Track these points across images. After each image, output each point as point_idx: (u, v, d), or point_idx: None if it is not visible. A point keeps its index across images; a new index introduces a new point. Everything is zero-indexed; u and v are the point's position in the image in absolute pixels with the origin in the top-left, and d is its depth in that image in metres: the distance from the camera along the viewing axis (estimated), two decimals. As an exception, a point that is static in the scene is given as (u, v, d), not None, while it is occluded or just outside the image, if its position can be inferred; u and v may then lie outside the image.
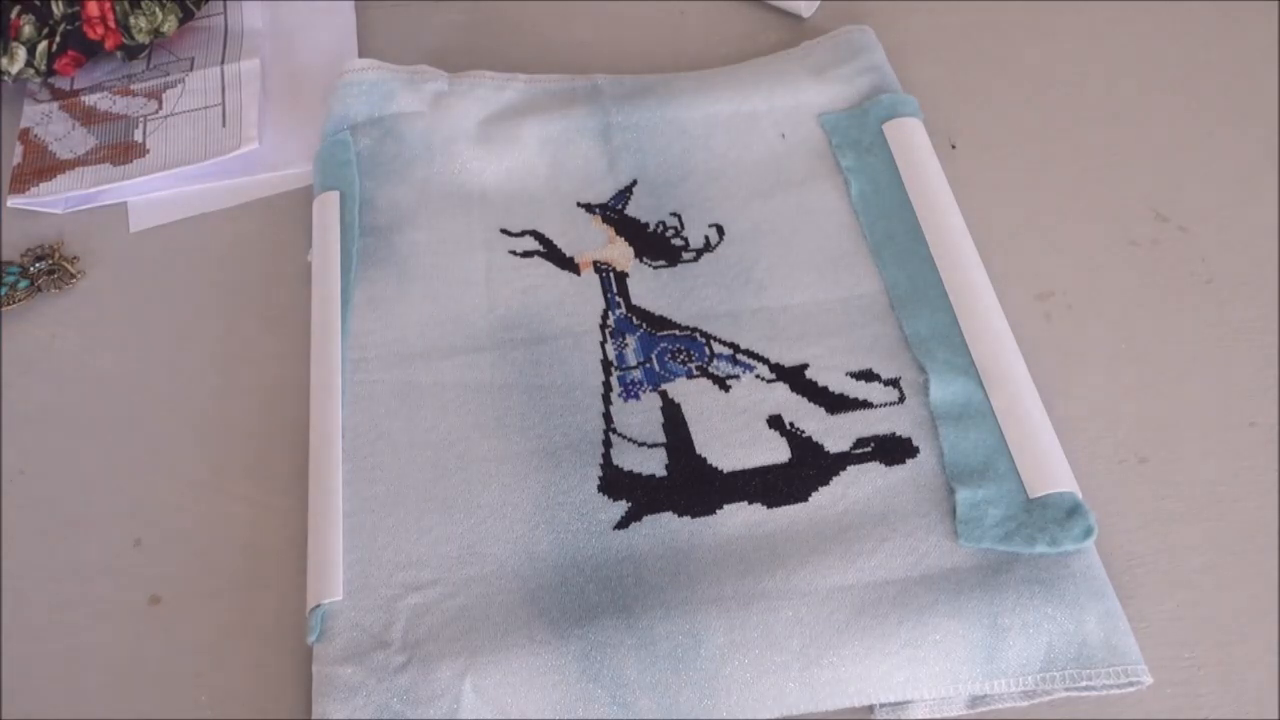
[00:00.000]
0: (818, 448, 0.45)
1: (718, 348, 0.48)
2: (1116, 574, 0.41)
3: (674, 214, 0.53)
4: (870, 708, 0.39)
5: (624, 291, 0.50)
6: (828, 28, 0.60)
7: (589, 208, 0.54)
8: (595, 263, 0.52)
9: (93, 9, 0.58)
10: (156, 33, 0.60)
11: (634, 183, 0.54)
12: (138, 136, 0.58)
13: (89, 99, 0.61)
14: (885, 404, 0.46)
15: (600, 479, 0.44)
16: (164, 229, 0.56)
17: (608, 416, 0.46)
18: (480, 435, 0.46)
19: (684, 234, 0.52)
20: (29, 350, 0.51)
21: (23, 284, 0.53)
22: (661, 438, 0.45)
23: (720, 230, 0.52)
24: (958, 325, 0.47)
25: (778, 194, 0.53)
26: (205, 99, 0.60)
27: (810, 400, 0.46)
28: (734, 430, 0.45)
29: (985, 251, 0.50)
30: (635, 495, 0.44)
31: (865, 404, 0.46)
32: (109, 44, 0.59)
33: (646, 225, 0.53)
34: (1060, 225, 0.53)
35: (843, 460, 0.44)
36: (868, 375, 0.47)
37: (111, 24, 0.59)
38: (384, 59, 0.57)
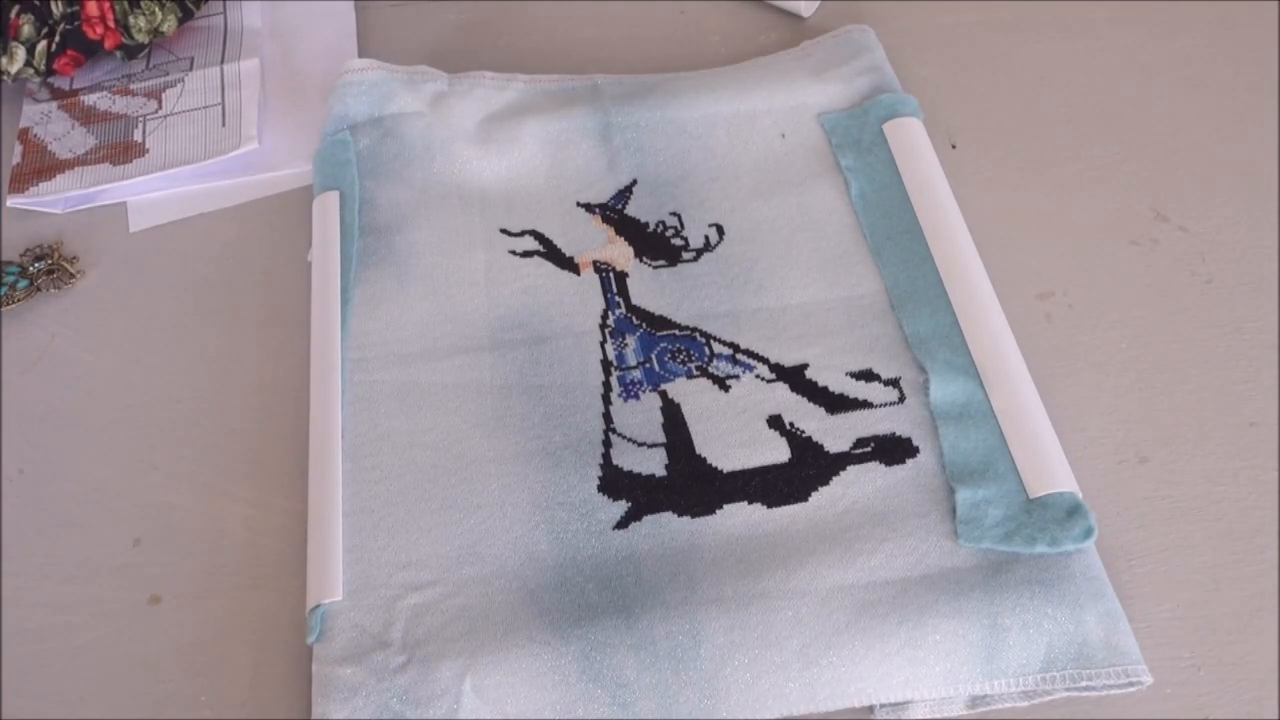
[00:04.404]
0: (818, 448, 0.45)
1: (718, 348, 0.48)
2: (1116, 574, 0.41)
3: (674, 214, 0.53)
4: (870, 708, 0.39)
5: (624, 291, 0.50)
6: (828, 28, 0.60)
7: (589, 207, 0.54)
8: (595, 262, 0.52)
9: (92, 8, 0.58)
10: (156, 32, 0.60)
11: (634, 182, 0.54)
12: (137, 136, 0.58)
13: (88, 99, 0.61)
14: (885, 404, 0.46)
15: (600, 479, 0.44)
16: (163, 229, 0.56)
17: (608, 416, 0.46)
18: (480, 435, 0.46)
19: (684, 234, 0.52)
20: (29, 350, 0.51)
21: (22, 284, 0.53)
22: (661, 438, 0.45)
23: (720, 230, 0.52)
24: (958, 325, 0.47)
25: (778, 194, 0.53)
26: (205, 99, 0.59)
27: (810, 400, 0.46)
28: (734, 430, 0.45)
29: (985, 251, 0.50)
30: (635, 495, 0.44)
31: (865, 404, 0.46)
32: (108, 43, 0.59)
33: (646, 225, 0.53)
34: (1060, 225, 0.53)
35: (843, 460, 0.44)
36: (868, 375, 0.47)
37: (111, 23, 0.59)
38: (384, 59, 0.57)
